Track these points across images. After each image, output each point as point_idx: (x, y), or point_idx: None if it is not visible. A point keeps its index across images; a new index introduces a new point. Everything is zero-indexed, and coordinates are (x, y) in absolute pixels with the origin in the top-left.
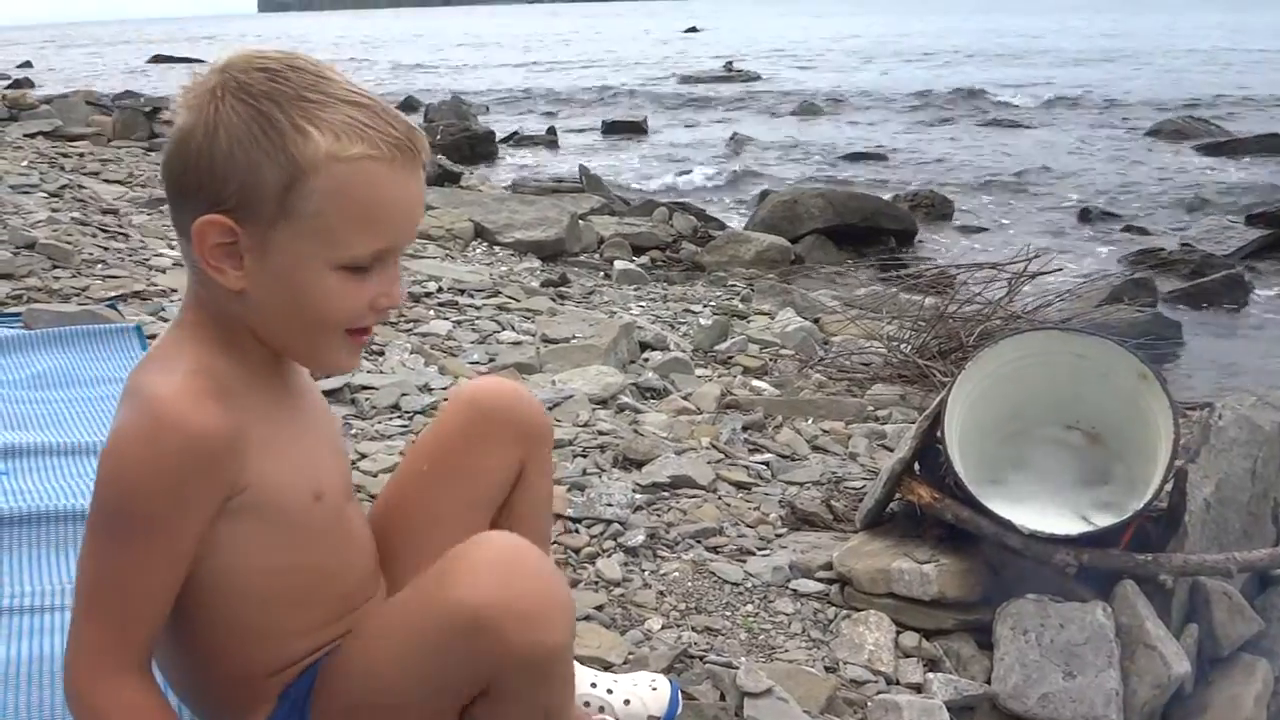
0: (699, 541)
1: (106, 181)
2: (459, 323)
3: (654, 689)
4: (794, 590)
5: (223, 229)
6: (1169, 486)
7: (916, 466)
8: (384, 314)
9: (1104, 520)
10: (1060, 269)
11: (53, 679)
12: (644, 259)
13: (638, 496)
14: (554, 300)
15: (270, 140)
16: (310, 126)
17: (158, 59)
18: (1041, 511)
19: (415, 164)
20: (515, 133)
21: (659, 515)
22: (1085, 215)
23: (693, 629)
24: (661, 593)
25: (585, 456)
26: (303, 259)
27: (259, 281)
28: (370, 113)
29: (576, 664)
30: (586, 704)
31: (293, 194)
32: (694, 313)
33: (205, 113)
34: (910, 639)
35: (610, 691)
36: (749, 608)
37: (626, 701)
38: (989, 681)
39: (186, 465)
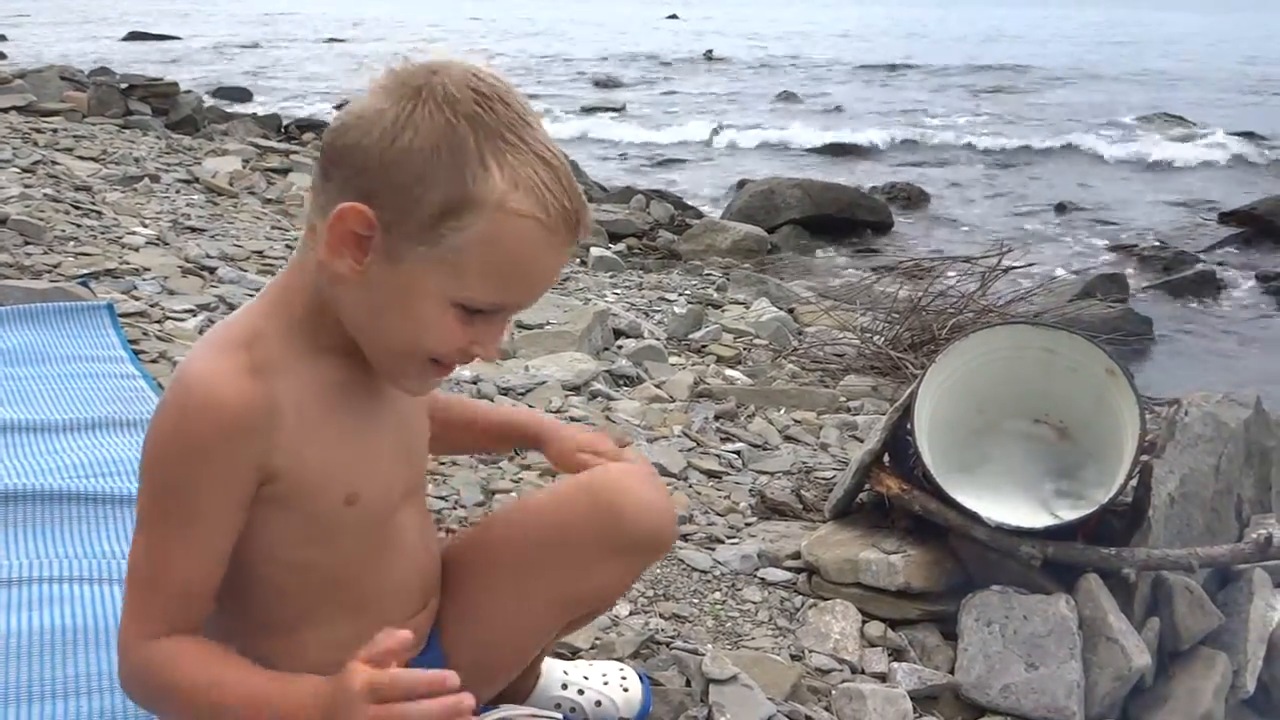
0: None
1: (80, 158)
2: None
3: (625, 689)
4: (762, 579)
5: (364, 222)
6: (1134, 481)
7: (886, 458)
8: (470, 360)
9: (1070, 514)
10: (1033, 264)
11: (16, 652)
12: (620, 246)
13: None
14: None
15: (453, 161)
16: (495, 166)
17: (134, 35)
18: (1008, 504)
19: (571, 241)
20: None
21: None
22: (1060, 210)
23: (660, 615)
24: None
25: None
26: (425, 283)
27: (372, 281)
28: (555, 176)
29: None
30: (557, 705)
31: (448, 221)
32: (669, 301)
33: (402, 106)
34: (876, 628)
35: (581, 692)
36: (717, 595)
37: (598, 703)
38: (952, 671)
39: (211, 437)
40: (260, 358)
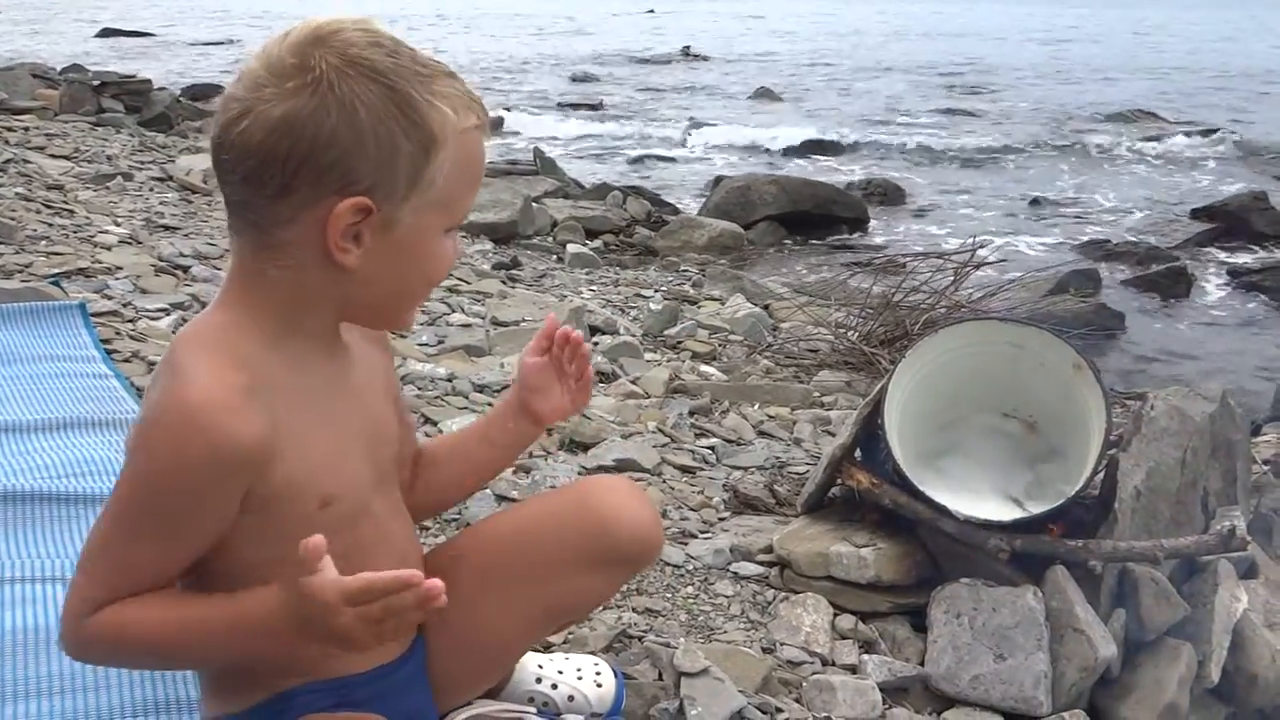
0: None
1: (52, 156)
2: None
3: (599, 684)
4: (734, 573)
5: (358, 209)
6: (1101, 475)
7: (857, 452)
8: None
9: (1038, 507)
10: (1005, 260)
11: None
12: (597, 243)
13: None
14: (505, 283)
15: (407, 117)
16: (433, 100)
17: (107, 32)
18: (977, 498)
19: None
20: None
21: None
22: (1034, 205)
23: (633, 610)
24: None
25: None
26: (425, 227)
27: (374, 256)
28: (457, 81)
29: None
30: (531, 699)
31: (426, 168)
32: (645, 297)
33: (332, 94)
34: (846, 621)
35: (555, 686)
36: (689, 589)
37: (570, 698)
38: (922, 663)
39: (209, 472)
40: (255, 378)
